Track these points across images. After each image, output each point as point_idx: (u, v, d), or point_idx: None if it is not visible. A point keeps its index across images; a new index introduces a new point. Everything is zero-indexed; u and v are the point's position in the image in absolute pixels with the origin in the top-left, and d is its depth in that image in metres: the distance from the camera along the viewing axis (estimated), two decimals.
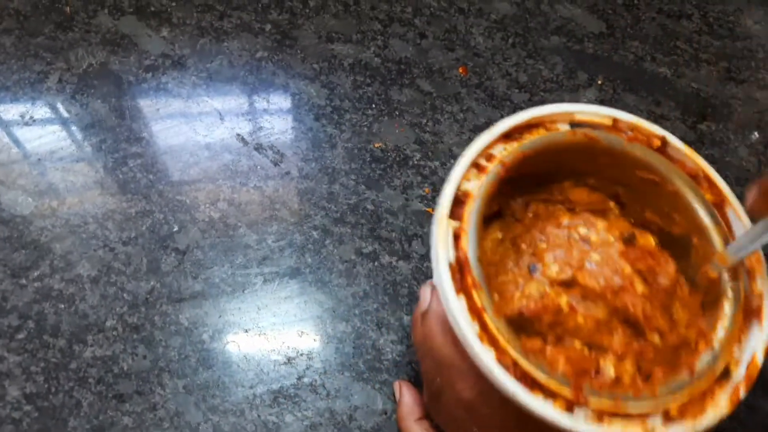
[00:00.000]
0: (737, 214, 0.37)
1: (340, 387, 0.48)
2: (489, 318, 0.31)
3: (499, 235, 0.39)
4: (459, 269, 0.32)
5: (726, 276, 0.35)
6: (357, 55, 0.65)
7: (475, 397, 0.33)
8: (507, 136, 0.37)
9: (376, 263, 0.54)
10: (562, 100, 0.65)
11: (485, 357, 0.30)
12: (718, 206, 0.37)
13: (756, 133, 0.65)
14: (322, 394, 0.48)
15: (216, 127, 0.59)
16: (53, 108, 0.60)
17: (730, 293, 0.34)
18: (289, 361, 0.49)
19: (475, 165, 0.36)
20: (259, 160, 0.58)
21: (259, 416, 0.47)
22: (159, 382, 0.48)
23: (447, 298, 0.31)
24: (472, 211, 0.34)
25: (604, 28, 0.71)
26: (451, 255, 0.32)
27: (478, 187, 0.35)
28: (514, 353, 0.30)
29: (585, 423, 0.30)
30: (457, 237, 0.33)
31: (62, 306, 0.50)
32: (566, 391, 0.30)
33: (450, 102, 0.63)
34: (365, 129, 0.60)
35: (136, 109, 0.59)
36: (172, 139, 0.58)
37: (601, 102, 0.65)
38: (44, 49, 0.62)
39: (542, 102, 0.65)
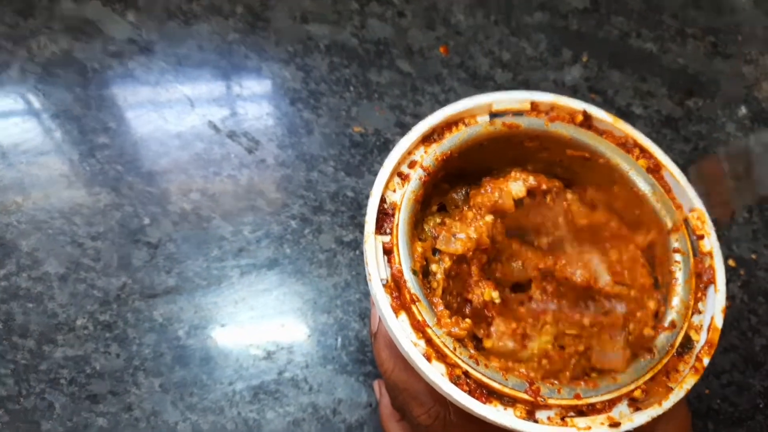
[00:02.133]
0: (674, 177, 0.36)
1: (322, 381, 0.47)
2: (433, 332, 0.30)
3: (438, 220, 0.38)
4: (396, 286, 0.31)
5: (671, 241, 0.34)
6: (333, 36, 0.63)
7: (433, 422, 0.32)
8: (427, 139, 0.36)
9: (357, 252, 0.52)
10: (546, 79, 0.63)
11: (436, 376, 0.29)
12: (653, 171, 0.36)
13: (743, 108, 0.64)
14: (304, 388, 0.47)
15: (186, 114, 0.57)
16: (16, 99, 0.57)
17: (678, 258, 0.33)
18: (269, 355, 0.48)
19: (399, 174, 0.35)
20: (232, 148, 0.55)
21: (239, 413, 0.46)
22: (134, 382, 0.46)
23: (387, 321, 0.30)
24: (400, 223, 0.33)
25: (588, 4, 0.69)
26: (385, 272, 0.31)
27: (402, 196, 0.34)
28: (464, 364, 0.29)
29: (550, 427, 0.29)
30: (389, 252, 0.32)
31: (30, 305, 0.48)
32: (524, 395, 0.29)
33: (431, 83, 0.61)
34: (343, 113, 0.58)
35: (102, 98, 0.57)
36: (140, 128, 0.56)
37: (587, 79, 0.63)
38: (5, 38, 0.59)
39: (526, 81, 0.63)
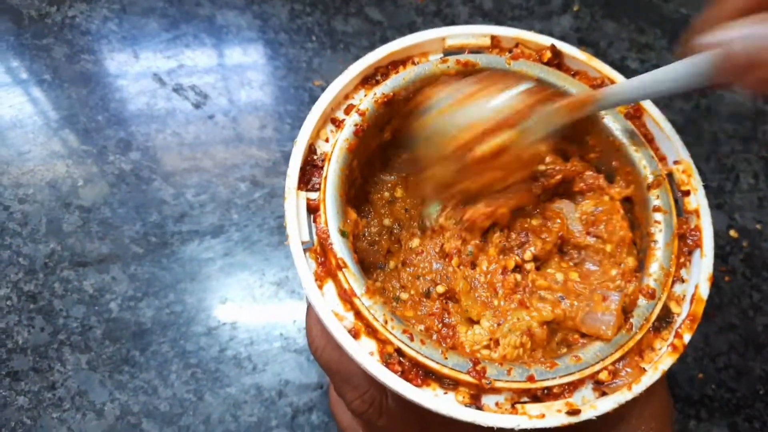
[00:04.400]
0: (657, 123, 0.30)
1: (268, 359, 0.42)
2: (362, 302, 0.25)
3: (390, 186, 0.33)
4: (322, 250, 0.27)
5: (651, 197, 0.28)
6: None
7: (368, 409, 0.28)
8: (369, 80, 0.31)
9: None
10: (531, 29, 0.56)
11: (362, 354, 0.25)
12: (633, 118, 0.31)
13: None
14: (247, 367, 0.42)
15: (130, 66, 0.51)
16: None
17: (658, 217, 0.28)
18: (209, 331, 0.43)
19: (332, 120, 0.30)
20: (178, 103, 0.50)
21: (174, 394, 0.41)
22: (59, 358, 0.42)
23: (308, 292, 0.26)
24: (329, 176, 0.28)
25: None
26: (308, 234, 0.27)
27: (334, 146, 0.29)
28: (396, 340, 0.25)
29: (496, 414, 0.24)
30: (314, 210, 0.28)
31: None
32: (466, 377, 0.25)
33: (403, 33, 0.55)
34: (303, 65, 0.53)
35: (38, 47, 0.52)
36: (78, 80, 0.50)
37: (577, 30, 0.57)
38: None
39: None
